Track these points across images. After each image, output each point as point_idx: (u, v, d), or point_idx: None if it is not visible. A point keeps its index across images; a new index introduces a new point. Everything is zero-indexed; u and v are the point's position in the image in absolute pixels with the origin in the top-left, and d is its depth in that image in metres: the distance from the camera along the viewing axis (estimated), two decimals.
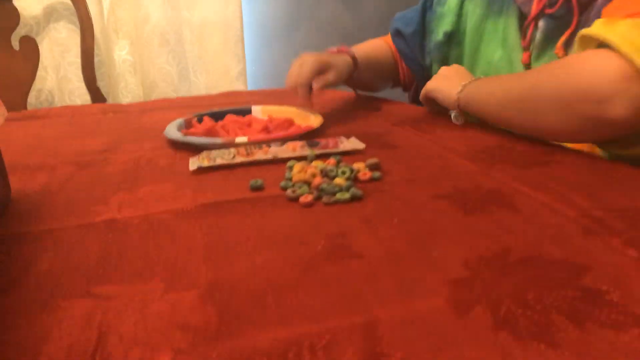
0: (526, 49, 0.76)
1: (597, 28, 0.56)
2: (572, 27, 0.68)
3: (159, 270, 0.37)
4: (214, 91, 2.01)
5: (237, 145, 0.66)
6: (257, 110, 0.85)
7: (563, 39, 0.70)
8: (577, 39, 0.60)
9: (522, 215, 0.43)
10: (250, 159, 0.61)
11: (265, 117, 0.82)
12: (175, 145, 0.71)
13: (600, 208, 0.43)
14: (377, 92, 1.08)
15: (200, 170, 0.60)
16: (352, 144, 0.65)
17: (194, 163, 0.60)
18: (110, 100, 1.83)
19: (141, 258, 0.39)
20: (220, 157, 0.60)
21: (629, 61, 0.51)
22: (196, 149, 0.67)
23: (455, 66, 0.82)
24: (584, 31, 0.57)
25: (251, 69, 2.16)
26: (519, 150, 0.61)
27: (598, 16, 0.65)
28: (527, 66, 0.77)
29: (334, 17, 2.31)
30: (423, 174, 0.55)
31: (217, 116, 0.83)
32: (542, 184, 0.50)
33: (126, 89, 1.85)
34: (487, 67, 0.83)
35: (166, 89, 1.91)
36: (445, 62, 0.90)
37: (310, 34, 2.31)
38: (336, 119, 0.83)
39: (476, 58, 0.85)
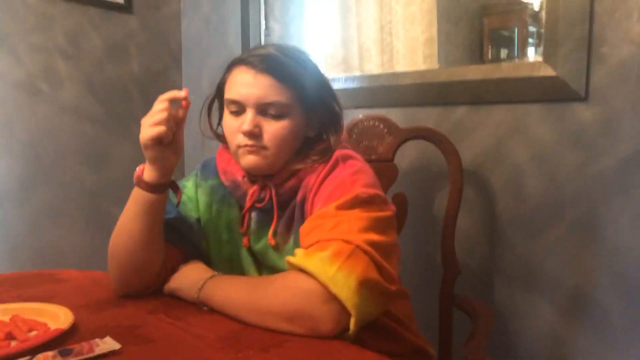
0: (244, 234, 0.93)
1: (300, 259, 0.74)
2: (274, 222, 0.88)
3: None
4: None
5: None
6: None
7: (271, 230, 0.89)
8: (286, 262, 0.76)
9: None
10: None
11: (7, 319, 0.77)
12: None
13: None
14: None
15: None
16: (108, 345, 0.67)
17: None
18: None
19: None
20: None
21: (326, 287, 0.70)
22: None
23: (193, 263, 0.91)
24: (292, 259, 0.75)
25: None
26: (259, 333, 0.73)
27: (296, 217, 0.86)
28: (249, 249, 0.93)
29: (77, 179, 2.27)
30: None
31: None
32: None
33: None
34: (219, 247, 0.96)
35: None
36: (201, 244, 0.96)
37: (49, 195, 2.20)
38: (88, 309, 0.84)
39: (210, 240, 0.96)
